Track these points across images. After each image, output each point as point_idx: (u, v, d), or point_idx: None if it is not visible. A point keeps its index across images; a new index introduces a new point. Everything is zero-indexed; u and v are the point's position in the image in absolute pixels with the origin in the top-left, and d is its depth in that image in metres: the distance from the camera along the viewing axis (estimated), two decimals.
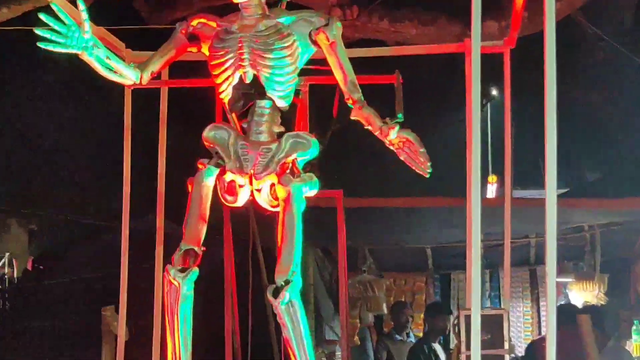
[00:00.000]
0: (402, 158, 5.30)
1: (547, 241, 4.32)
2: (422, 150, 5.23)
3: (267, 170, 5.18)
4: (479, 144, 4.91)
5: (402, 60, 10.33)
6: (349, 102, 5.41)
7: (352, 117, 5.41)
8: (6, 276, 21.62)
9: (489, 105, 11.28)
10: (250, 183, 5.24)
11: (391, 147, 5.34)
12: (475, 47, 4.45)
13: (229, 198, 5.33)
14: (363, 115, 5.37)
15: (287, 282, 4.81)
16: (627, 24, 11.57)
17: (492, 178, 11.49)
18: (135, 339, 7.48)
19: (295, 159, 5.25)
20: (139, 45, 7.87)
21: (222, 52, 5.38)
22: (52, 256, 20.65)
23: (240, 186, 5.27)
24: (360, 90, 5.44)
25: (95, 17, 7.44)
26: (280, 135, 5.32)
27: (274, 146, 5.23)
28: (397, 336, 13.51)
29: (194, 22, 5.57)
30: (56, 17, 4.76)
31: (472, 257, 4.68)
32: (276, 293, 4.79)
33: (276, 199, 5.22)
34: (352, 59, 7.50)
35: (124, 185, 7.70)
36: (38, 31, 4.77)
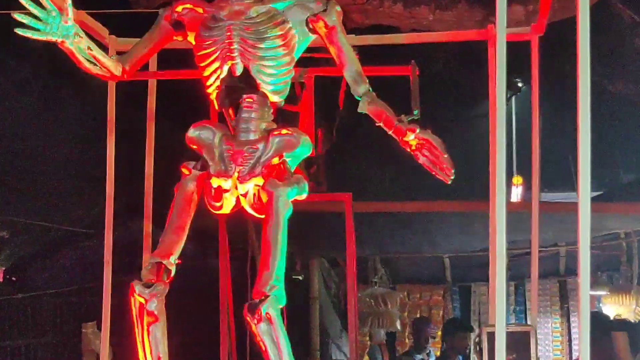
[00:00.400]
0: (420, 161, 5.18)
1: (579, 250, 4.33)
2: (445, 155, 5.09)
3: (252, 172, 5.06)
4: (504, 141, 4.91)
5: (417, 48, 10.42)
6: (356, 94, 5.26)
7: (359, 111, 5.26)
8: None
9: (513, 98, 11.30)
10: (235, 187, 5.13)
11: (407, 149, 5.21)
12: (501, 34, 4.47)
13: (216, 204, 5.22)
14: (372, 110, 5.24)
15: (265, 298, 4.64)
16: None
17: (517, 179, 11.51)
18: (119, 358, 7.51)
19: (285, 159, 5.13)
20: (124, 32, 7.89)
21: (209, 42, 5.24)
22: (26, 267, 20.71)
23: (225, 191, 5.14)
24: (367, 81, 5.30)
25: (79, 2, 7.52)
26: (269, 132, 5.13)
27: (260, 146, 5.09)
28: (417, 356, 13.42)
29: (179, 8, 5.39)
30: (36, 1, 4.74)
31: (496, 267, 4.69)
32: (252, 310, 4.63)
33: (262, 204, 5.10)
34: (363, 48, 7.55)
35: (107, 188, 7.71)
36: (16, 16, 4.71)
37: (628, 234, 13.64)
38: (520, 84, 10.51)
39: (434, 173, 5.14)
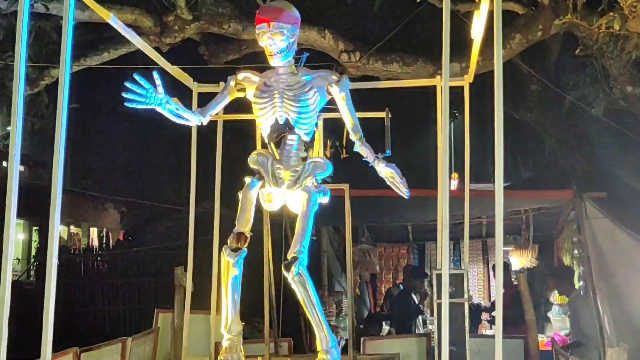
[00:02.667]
0: (388, 183, 5.56)
1: (496, 220, 4.33)
2: (402, 181, 5.52)
3: (296, 185, 5.33)
4: (447, 150, 4.91)
5: (392, 91, 10.34)
6: (353, 139, 5.59)
7: (354, 149, 5.64)
8: (104, 245, 21.69)
9: (452, 123, 11.27)
10: (283, 194, 5.39)
11: (381, 175, 5.57)
12: (445, 81, 4.45)
13: (268, 204, 5.49)
14: (362, 150, 5.58)
15: (295, 259, 4.92)
16: (550, 66, 11.55)
17: (454, 175, 11.47)
18: (198, 291, 7.47)
19: (315, 177, 5.40)
20: (203, 79, 7.90)
21: (263, 101, 5.42)
22: (138, 230, 20.67)
23: (276, 196, 5.42)
24: (360, 131, 5.60)
25: (172, 60, 7.49)
26: (304, 159, 5.41)
27: (300, 168, 5.36)
28: (413, 295, 13.18)
29: (240, 76, 5.58)
30: (138, 83, 4.94)
31: (442, 232, 4.69)
32: (288, 267, 4.92)
33: (300, 203, 5.35)
34: (357, 90, 7.51)
35: (191, 180, 7.73)
36: (125, 95, 4.93)
37: (526, 210, 13.61)
38: (457, 113, 10.46)
39: (396, 191, 5.58)
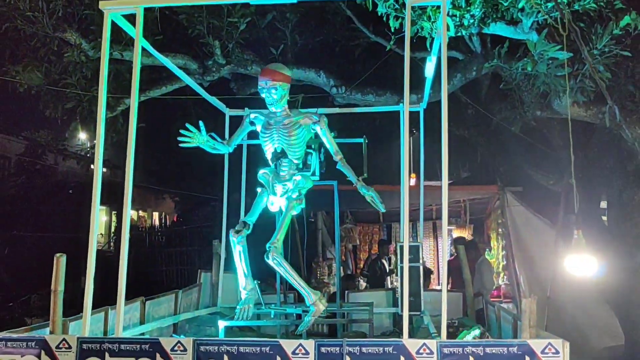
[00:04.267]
0: (368, 200, 5.68)
1: (443, 207, 4.33)
2: (378, 200, 5.64)
3: (285, 195, 5.56)
4: (407, 157, 4.91)
5: (368, 114, 10.30)
6: (335, 159, 5.74)
7: (337, 167, 5.77)
8: (163, 224, 21.66)
9: (411, 138, 11.28)
10: (279, 200, 5.62)
11: (362, 193, 5.70)
12: (405, 107, 4.46)
13: (270, 207, 5.70)
14: (344, 169, 5.70)
15: (269, 249, 5.14)
16: (482, 96, 11.53)
17: (413, 175, 11.48)
18: (229, 258, 7.44)
19: (299, 190, 5.56)
20: (233, 106, 7.91)
21: (266, 136, 5.64)
22: (186, 214, 20.62)
23: (275, 202, 5.65)
24: (340, 153, 5.74)
25: (211, 92, 7.47)
26: (294, 176, 5.57)
27: (289, 184, 5.54)
28: (382, 260, 13.24)
29: (252, 116, 5.80)
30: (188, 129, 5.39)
31: (401, 215, 4.69)
32: (267, 255, 5.20)
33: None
34: (343, 114, 7.47)
35: (224, 179, 7.73)
36: (180, 139, 5.38)
37: (464, 200, 13.63)
38: (414, 131, 10.43)
39: (374, 206, 5.70)
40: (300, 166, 5.72)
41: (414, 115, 7.58)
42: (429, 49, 6.36)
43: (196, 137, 5.38)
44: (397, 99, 9.16)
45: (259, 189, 5.69)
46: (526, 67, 6.95)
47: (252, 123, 5.82)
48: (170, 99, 10.33)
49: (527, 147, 11.18)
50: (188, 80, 6.78)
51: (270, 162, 5.68)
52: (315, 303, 5.32)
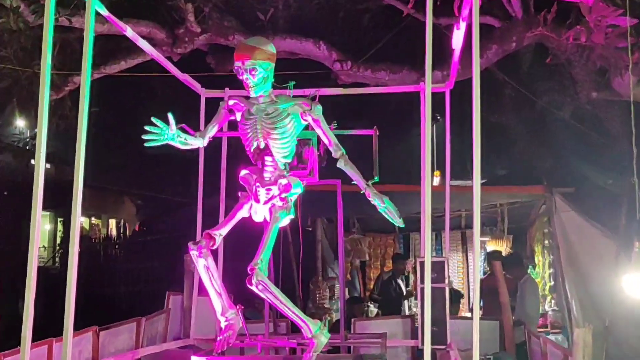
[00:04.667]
0: (380, 211, 5.49)
1: (474, 213, 4.32)
2: (394, 213, 5.46)
3: (269, 202, 5.41)
4: (431, 150, 4.91)
5: (380, 96, 10.35)
6: (335, 157, 5.53)
7: (337, 166, 5.56)
8: (121, 234, 21.71)
9: (434, 125, 11.28)
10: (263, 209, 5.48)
11: (373, 203, 5.49)
12: (428, 87, 4.45)
13: (254, 216, 5.53)
14: (347, 170, 5.51)
15: (252, 270, 4.99)
16: (523, 74, 11.55)
17: (436, 173, 11.47)
18: None
19: (285, 195, 5.42)
20: (210, 85, 7.92)
21: (246, 128, 5.51)
22: (152, 221, 20.67)
23: (258, 210, 5.49)
24: (341, 148, 5.54)
25: (182, 68, 7.49)
26: (281, 177, 5.44)
27: (273, 188, 5.40)
28: (397, 280, 13.24)
29: (231, 102, 5.64)
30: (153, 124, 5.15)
31: (425, 223, 4.69)
32: (250, 281, 5.00)
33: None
34: (347, 97, 7.47)
35: (199, 178, 7.75)
36: (145, 137, 5.12)
37: (501, 204, 13.65)
38: (438, 117, 10.46)
39: (389, 219, 5.50)
40: (287, 166, 5.66)
41: (438, 98, 7.58)
42: (456, 14, 6.36)
43: (164, 133, 5.30)
44: (416, 77, 9.17)
45: (240, 193, 5.65)
46: (579, 36, 6.95)
47: (230, 111, 5.72)
48: (132, 76, 10.33)
49: (579, 137, 11.20)
50: (153, 52, 6.78)
51: (253, 161, 5.62)
52: (316, 336, 5.31)
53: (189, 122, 5.75)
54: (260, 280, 4.97)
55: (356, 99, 9.49)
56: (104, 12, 5.40)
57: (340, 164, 5.52)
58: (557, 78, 9.54)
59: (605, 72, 7.89)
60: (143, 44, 6.52)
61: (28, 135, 14.23)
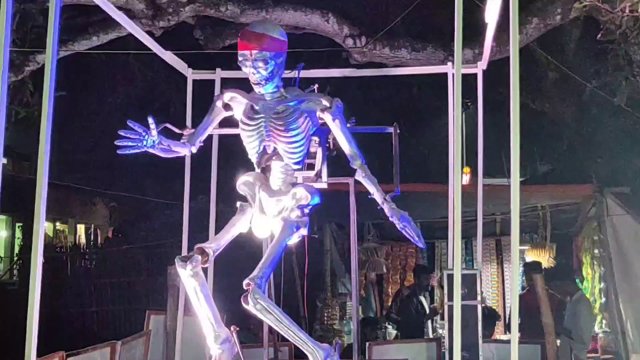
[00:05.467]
0: (400, 230, 5.56)
1: (512, 217, 4.32)
2: (417, 233, 5.55)
3: (280, 214, 5.34)
4: (460, 143, 4.89)
5: (400, 79, 10.34)
6: (353, 166, 5.51)
7: (355, 178, 5.58)
8: (92, 242, 21.75)
9: (464, 113, 11.28)
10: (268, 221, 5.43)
11: (392, 220, 5.54)
12: (457, 68, 4.44)
13: (257, 231, 5.51)
14: (365, 182, 5.51)
15: (249, 286, 4.86)
16: (569, 52, 11.55)
17: (466, 169, 11.48)
18: None
19: (299, 207, 5.34)
20: (198, 65, 7.92)
21: (250, 128, 5.38)
22: (128, 227, 20.71)
23: (264, 224, 5.44)
24: (360, 157, 5.51)
25: (165, 45, 7.50)
26: (292, 185, 5.40)
27: (285, 199, 5.33)
28: (420, 296, 13.24)
29: (227, 97, 5.51)
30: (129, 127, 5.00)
31: (454, 229, 4.69)
32: (245, 300, 4.86)
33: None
34: (361, 79, 7.46)
35: (185, 177, 7.76)
36: (118, 142, 5.00)
37: (543, 207, 13.64)
38: (469, 103, 10.48)
39: (410, 239, 5.60)
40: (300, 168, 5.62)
41: (468, 80, 7.58)
42: None
43: (143, 139, 5.22)
44: (443, 56, 9.17)
45: (239, 204, 5.59)
46: (637, 7, 6.94)
47: (226, 107, 5.63)
48: (106, 54, 10.35)
49: (636, 128, 11.18)
50: (131, 26, 6.78)
51: (256, 166, 5.57)
52: None
53: (173, 109, 5.74)
54: (258, 299, 4.90)
55: (371, 83, 9.49)
56: None
57: (358, 175, 5.50)
58: (610, 58, 9.52)
59: None
60: (119, 16, 6.53)
61: None
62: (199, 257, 5.13)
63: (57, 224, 28.59)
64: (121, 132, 5.00)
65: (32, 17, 8.78)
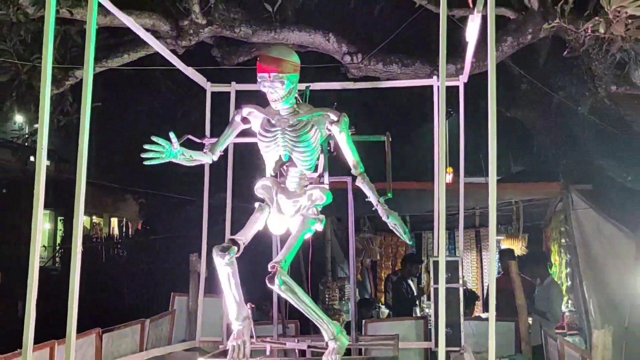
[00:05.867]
0: (391, 228, 5.71)
1: (489, 211, 4.31)
2: (405, 231, 5.73)
3: (297, 213, 5.48)
4: (444, 146, 4.89)
5: (392, 90, 10.31)
6: (354, 174, 5.67)
7: (356, 183, 5.73)
8: (123, 233, 21.73)
9: (448, 120, 11.27)
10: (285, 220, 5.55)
11: (385, 220, 5.70)
12: (442, 81, 4.43)
13: (274, 229, 5.61)
14: (363, 188, 5.67)
15: (274, 270, 4.93)
16: (539, 67, 11.54)
17: (449, 169, 11.44)
18: (211, 276, 7.46)
19: (315, 207, 5.48)
20: (216, 79, 7.93)
21: (267, 140, 5.45)
22: (155, 220, 20.67)
23: (281, 222, 5.55)
24: (361, 167, 5.66)
25: (187, 61, 7.49)
26: (306, 187, 5.52)
27: (301, 199, 5.47)
28: (408, 280, 13.31)
29: (245, 112, 5.59)
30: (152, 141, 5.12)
31: (439, 221, 4.69)
32: (271, 280, 4.93)
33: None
34: (357, 90, 7.44)
35: (205, 177, 7.75)
36: (144, 155, 5.12)
37: (516, 202, 13.62)
38: (451, 112, 10.45)
39: (399, 236, 5.75)
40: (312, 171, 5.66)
41: (451, 92, 7.57)
42: (470, 5, 6.35)
43: (166, 151, 5.26)
44: (429, 70, 9.16)
45: (257, 204, 5.62)
46: (597, 28, 6.94)
47: (245, 120, 5.66)
48: (135, 70, 10.35)
49: (598, 132, 11.17)
50: (158, 46, 6.78)
51: (272, 172, 5.59)
52: (338, 337, 5.32)
53: (194, 117, 5.75)
54: (285, 279, 4.95)
55: (367, 93, 9.48)
56: (107, 3, 5.41)
57: (358, 182, 5.68)
58: (574, 72, 9.52)
59: (625, 66, 7.86)
60: (147, 37, 6.53)
61: (27, 131, 14.24)
62: (236, 248, 5.19)
63: (94, 217, 28.60)
64: (146, 146, 5.06)
65: (72, 38, 8.78)
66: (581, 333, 10.51)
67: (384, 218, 5.65)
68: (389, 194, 6.03)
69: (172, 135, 5.16)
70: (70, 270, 4.24)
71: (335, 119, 5.43)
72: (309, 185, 5.53)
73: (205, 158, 5.57)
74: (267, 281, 4.94)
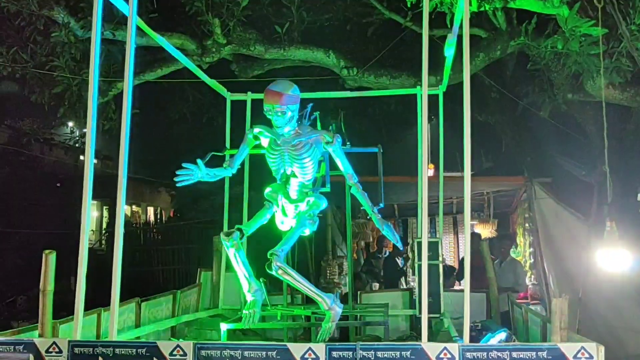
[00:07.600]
0: (383, 233, 5.63)
1: (465, 200, 4.32)
2: (397, 239, 5.67)
3: (297, 215, 5.56)
4: (426, 146, 4.90)
5: (382, 98, 10.28)
6: (349, 184, 5.63)
7: (351, 192, 5.72)
8: (158, 220, 21.73)
9: (429, 124, 11.27)
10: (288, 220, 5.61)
11: (377, 227, 5.68)
12: (424, 90, 4.44)
13: (280, 226, 5.68)
14: (358, 197, 5.64)
15: (272, 255, 5.02)
16: (507, 78, 11.52)
17: (430, 165, 11.42)
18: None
19: (312, 212, 5.53)
20: (235, 89, 7.92)
21: (273, 156, 5.51)
22: (184, 208, 20.64)
23: (285, 222, 5.63)
24: (355, 178, 5.63)
25: (210, 74, 7.48)
26: (306, 194, 5.53)
27: (301, 205, 5.52)
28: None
29: (255, 131, 5.61)
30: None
31: (422, 209, 4.69)
32: (269, 267, 5.02)
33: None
34: (353, 99, 7.41)
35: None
36: (177, 179, 5.27)
37: (487, 192, 13.64)
38: (432, 117, 10.43)
39: (389, 240, 5.71)
40: (311, 185, 5.68)
41: (432, 100, 7.56)
42: (449, 26, 6.34)
43: (195, 173, 5.34)
44: (414, 81, 9.16)
45: (265, 203, 5.66)
46: (556, 45, 6.93)
47: (256, 137, 5.70)
48: (167, 82, 10.36)
49: (557, 134, 11.16)
50: (186, 61, 6.78)
51: (278, 180, 5.64)
52: (332, 307, 5.33)
53: (217, 122, 5.76)
54: (279, 265, 5.01)
55: (361, 101, 9.47)
56: (143, 27, 5.42)
57: (352, 190, 5.65)
58: (537, 82, 9.48)
59: (579, 76, 7.84)
60: (177, 54, 6.53)
61: (77, 134, 14.27)
62: (238, 233, 5.31)
63: (133, 206, 28.62)
64: (178, 172, 5.24)
65: (114, 55, 8.80)
66: (542, 303, 10.51)
67: (381, 230, 5.66)
68: (381, 203, 6.14)
69: (199, 162, 5.30)
70: (114, 250, 4.27)
71: (330, 140, 5.46)
72: (309, 193, 5.57)
73: (226, 172, 5.62)
74: (266, 267, 5.03)
